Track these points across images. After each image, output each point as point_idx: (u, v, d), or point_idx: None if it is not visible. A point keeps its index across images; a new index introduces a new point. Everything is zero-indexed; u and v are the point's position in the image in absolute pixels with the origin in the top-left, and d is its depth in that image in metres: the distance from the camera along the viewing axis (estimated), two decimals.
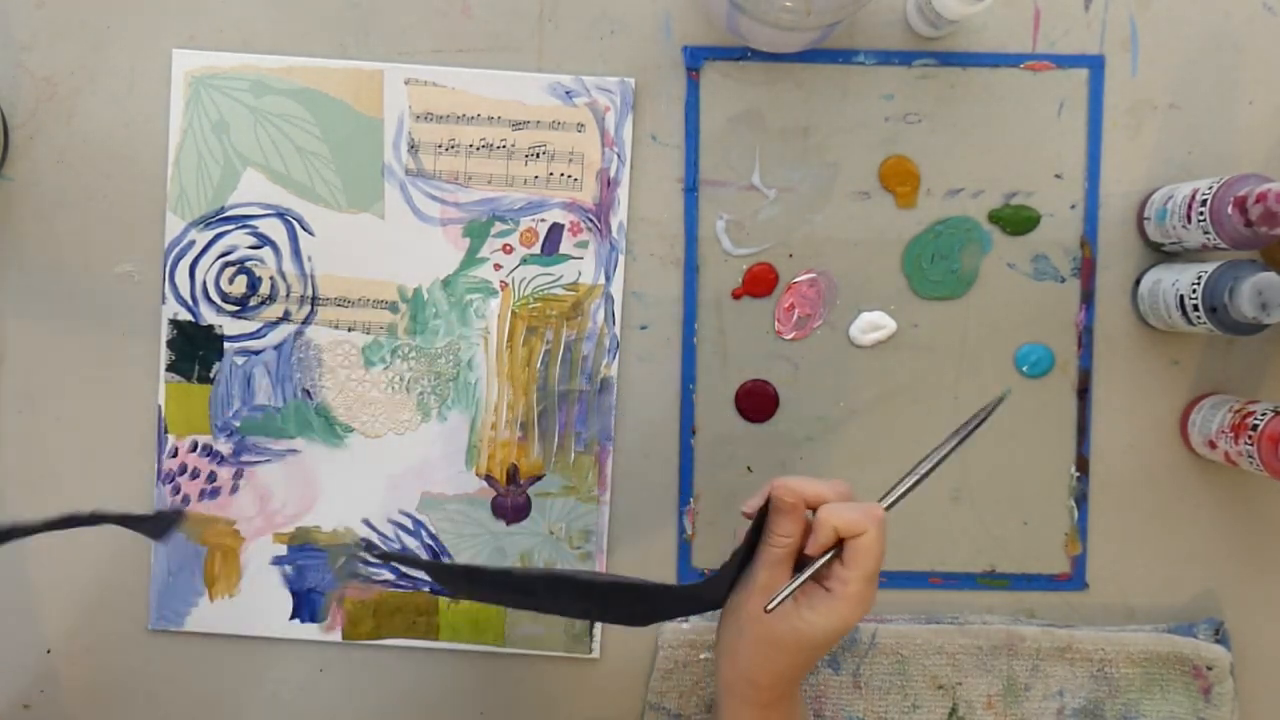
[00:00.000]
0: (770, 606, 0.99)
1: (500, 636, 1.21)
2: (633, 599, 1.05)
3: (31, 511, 1.19)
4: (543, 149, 1.20)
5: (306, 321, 1.20)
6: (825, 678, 1.20)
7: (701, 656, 1.19)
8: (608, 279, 1.20)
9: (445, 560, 1.20)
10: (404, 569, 1.20)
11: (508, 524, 1.21)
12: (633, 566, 1.21)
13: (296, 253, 1.19)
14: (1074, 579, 1.22)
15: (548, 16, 1.20)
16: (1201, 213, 1.10)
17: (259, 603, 1.20)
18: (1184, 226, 1.13)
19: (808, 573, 1.01)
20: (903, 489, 1.04)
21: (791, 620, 1.01)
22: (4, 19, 1.19)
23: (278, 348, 1.20)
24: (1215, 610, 1.22)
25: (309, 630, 1.21)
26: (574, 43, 1.20)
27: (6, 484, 1.20)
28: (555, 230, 1.20)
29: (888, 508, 1.03)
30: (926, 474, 1.04)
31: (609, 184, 1.20)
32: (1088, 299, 1.21)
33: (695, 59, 1.20)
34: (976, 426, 1.05)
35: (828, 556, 1.01)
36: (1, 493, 1.20)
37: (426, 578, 1.20)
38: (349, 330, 1.20)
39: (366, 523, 1.20)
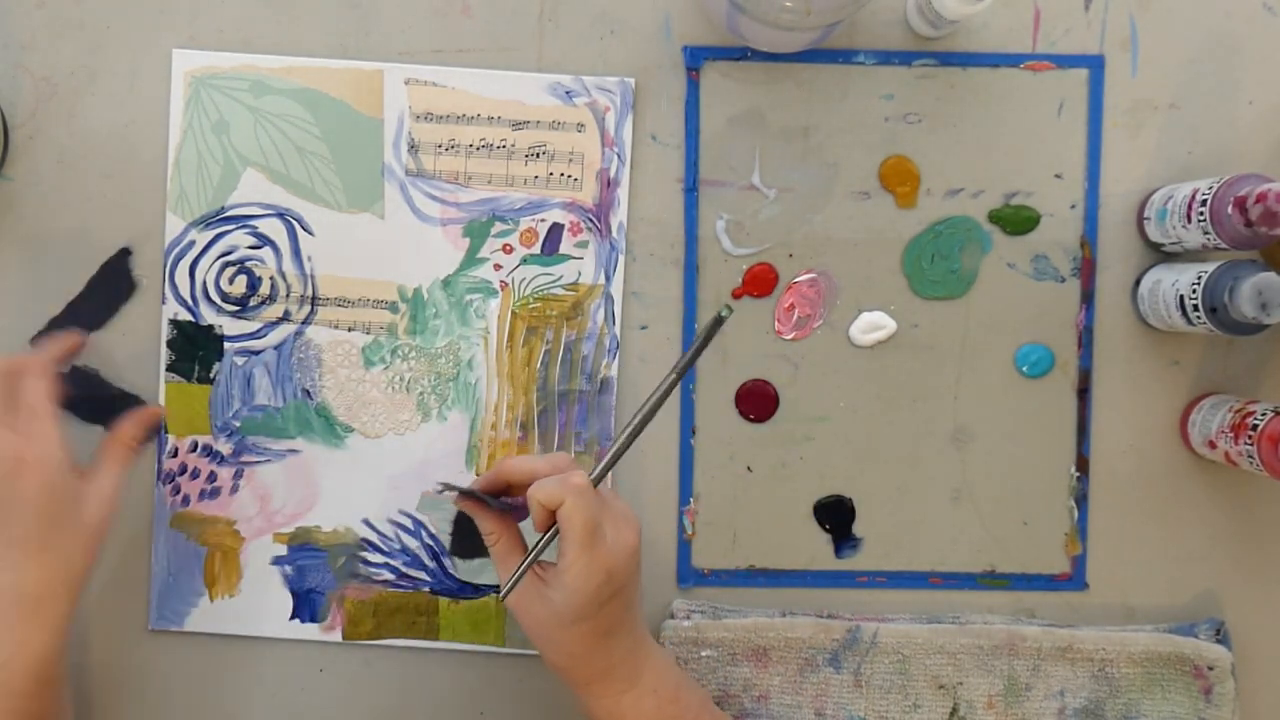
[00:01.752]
0: (502, 596, 1.05)
1: (500, 637, 1.21)
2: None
3: None
4: (543, 149, 1.20)
5: (306, 321, 1.20)
6: (826, 676, 1.20)
7: (703, 654, 1.19)
8: (608, 279, 1.20)
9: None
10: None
11: None
12: None
13: (296, 253, 1.19)
14: (1074, 579, 1.22)
15: (548, 16, 1.20)
16: (1201, 213, 1.10)
17: (259, 603, 1.20)
18: (1184, 226, 1.13)
19: (528, 558, 1.05)
20: (609, 457, 1.07)
21: (539, 604, 1.05)
22: (4, 19, 1.19)
23: (278, 348, 1.20)
24: (1215, 610, 1.22)
25: (309, 630, 1.21)
26: (574, 43, 1.20)
27: None
28: (555, 230, 1.20)
29: (594, 478, 1.05)
30: (634, 434, 1.07)
31: (609, 184, 1.20)
32: (1088, 299, 1.21)
33: (695, 59, 1.20)
34: (691, 361, 1.07)
35: (547, 537, 1.05)
36: None
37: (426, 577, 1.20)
38: (349, 330, 1.20)
39: (366, 522, 1.20)
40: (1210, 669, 1.19)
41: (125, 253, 1.19)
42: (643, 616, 1.09)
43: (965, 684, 1.20)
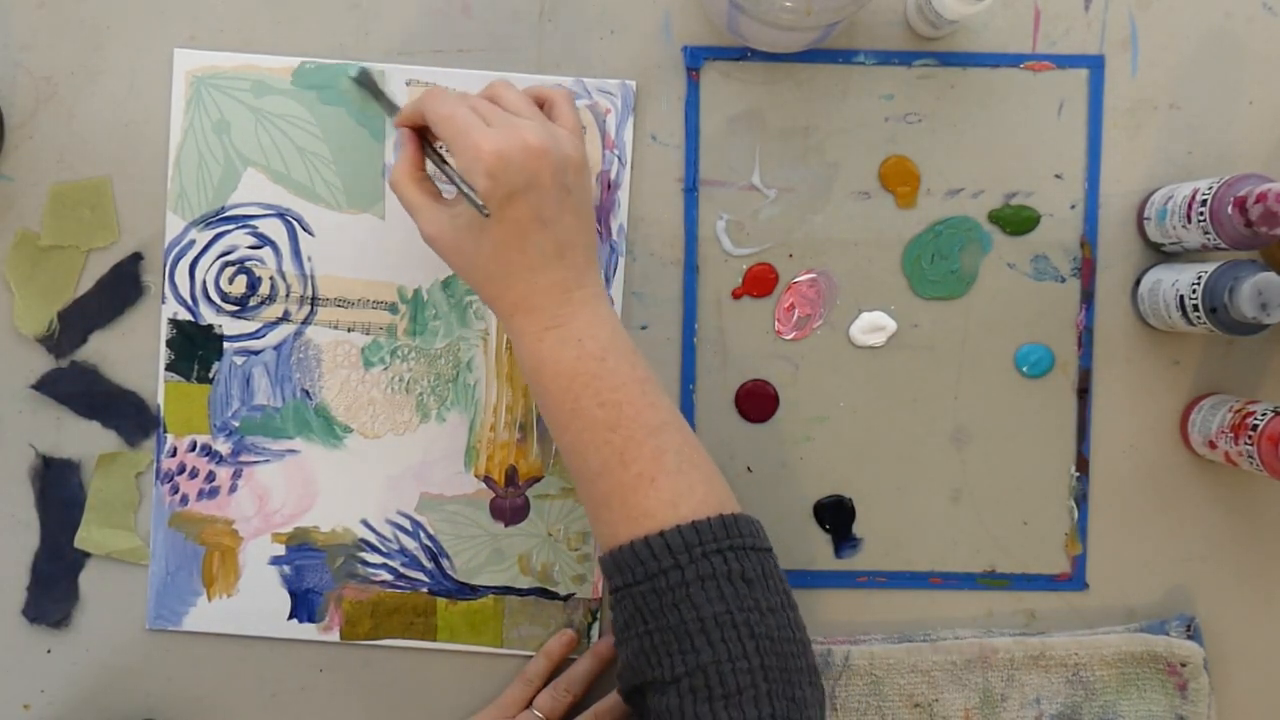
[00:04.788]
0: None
1: (498, 637, 1.21)
2: None
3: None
4: None
5: (306, 322, 1.20)
6: None
7: None
8: (607, 281, 1.20)
9: None
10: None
11: (506, 525, 1.21)
12: None
13: (296, 253, 1.19)
14: (1074, 579, 1.22)
15: (548, 16, 1.20)
16: (1201, 213, 1.10)
17: (257, 602, 1.20)
18: (1184, 226, 1.13)
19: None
20: None
21: (448, 223, 1.08)
22: (4, 19, 1.19)
23: (277, 348, 1.20)
24: (1217, 609, 1.22)
25: (307, 630, 1.21)
26: (574, 43, 1.20)
27: (10, 481, 1.20)
28: None
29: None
30: None
31: (609, 186, 1.20)
32: (1088, 299, 1.21)
33: (695, 59, 1.20)
34: None
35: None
36: (7, 490, 1.20)
37: (425, 578, 1.20)
38: (349, 331, 1.20)
39: (365, 523, 1.20)
40: (1183, 665, 1.19)
41: (137, 257, 1.19)
42: (584, 262, 1.08)
43: (940, 700, 1.19)
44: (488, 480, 1.21)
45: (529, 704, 1.18)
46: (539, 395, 1.06)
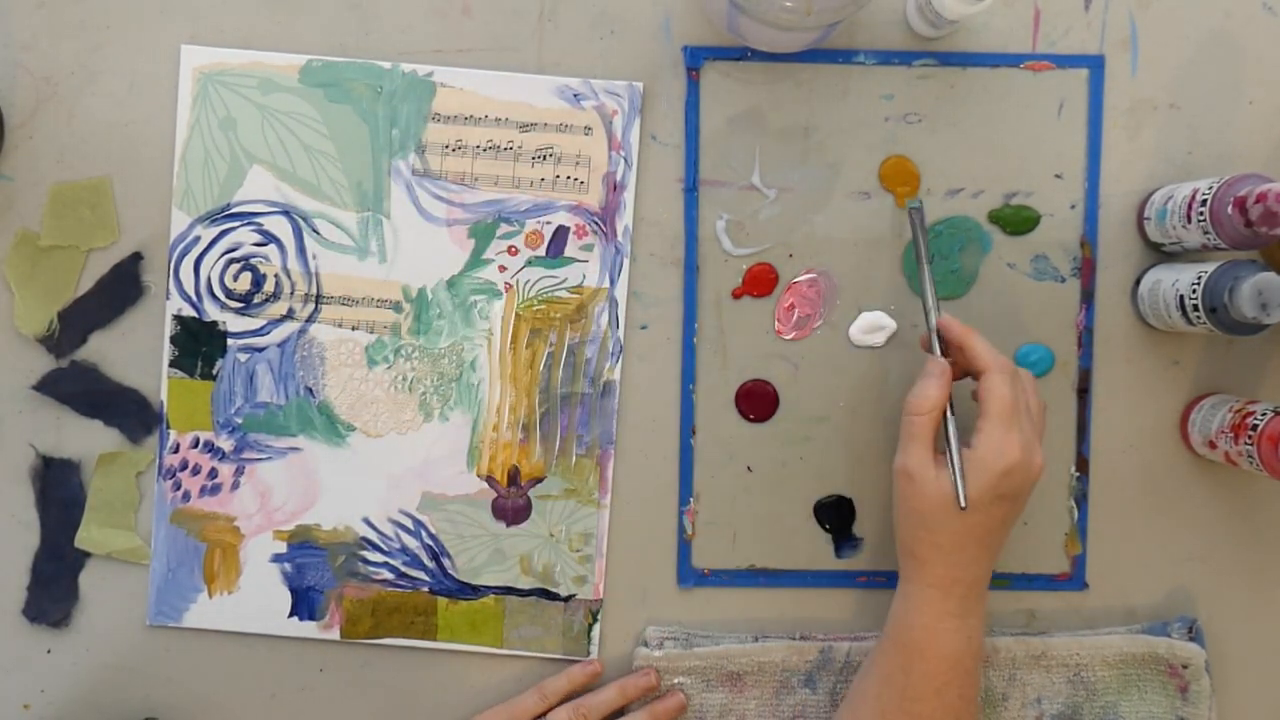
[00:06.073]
0: (964, 504, 1.07)
1: (498, 638, 1.21)
2: None
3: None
4: (549, 151, 1.20)
5: (310, 320, 1.20)
6: (803, 698, 1.20)
7: (677, 680, 1.19)
8: (612, 282, 1.20)
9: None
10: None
11: (508, 525, 1.21)
12: (632, 567, 1.21)
13: (301, 250, 1.19)
14: (1074, 579, 1.22)
15: (548, 16, 1.20)
16: (1201, 213, 1.10)
17: (258, 600, 1.20)
18: (1184, 226, 1.13)
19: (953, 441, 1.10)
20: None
21: (933, 484, 1.08)
22: (4, 19, 1.19)
23: (281, 345, 1.20)
24: (1217, 609, 1.23)
25: (307, 628, 1.21)
26: (574, 43, 1.20)
27: (10, 481, 1.20)
28: (561, 233, 1.20)
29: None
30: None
31: (615, 188, 1.20)
32: (1088, 299, 1.21)
33: (695, 59, 1.20)
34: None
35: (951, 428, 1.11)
36: (7, 490, 1.20)
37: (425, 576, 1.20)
38: (352, 329, 1.20)
39: (367, 521, 1.20)
40: (1185, 667, 1.19)
41: (137, 257, 1.19)
42: (991, 568, 1.12)
43: None
44: (490, 480, 1.21)
45: (542, 717, 1.18)
46: (904, 659, 1.10)
